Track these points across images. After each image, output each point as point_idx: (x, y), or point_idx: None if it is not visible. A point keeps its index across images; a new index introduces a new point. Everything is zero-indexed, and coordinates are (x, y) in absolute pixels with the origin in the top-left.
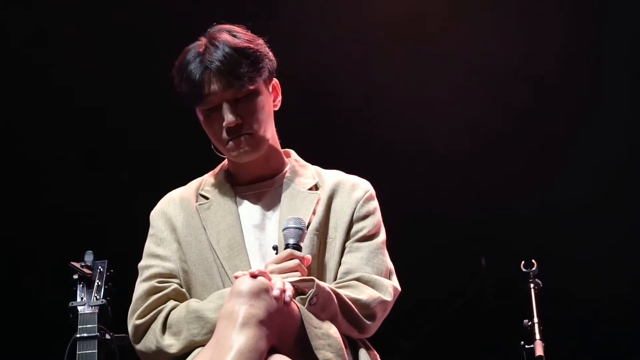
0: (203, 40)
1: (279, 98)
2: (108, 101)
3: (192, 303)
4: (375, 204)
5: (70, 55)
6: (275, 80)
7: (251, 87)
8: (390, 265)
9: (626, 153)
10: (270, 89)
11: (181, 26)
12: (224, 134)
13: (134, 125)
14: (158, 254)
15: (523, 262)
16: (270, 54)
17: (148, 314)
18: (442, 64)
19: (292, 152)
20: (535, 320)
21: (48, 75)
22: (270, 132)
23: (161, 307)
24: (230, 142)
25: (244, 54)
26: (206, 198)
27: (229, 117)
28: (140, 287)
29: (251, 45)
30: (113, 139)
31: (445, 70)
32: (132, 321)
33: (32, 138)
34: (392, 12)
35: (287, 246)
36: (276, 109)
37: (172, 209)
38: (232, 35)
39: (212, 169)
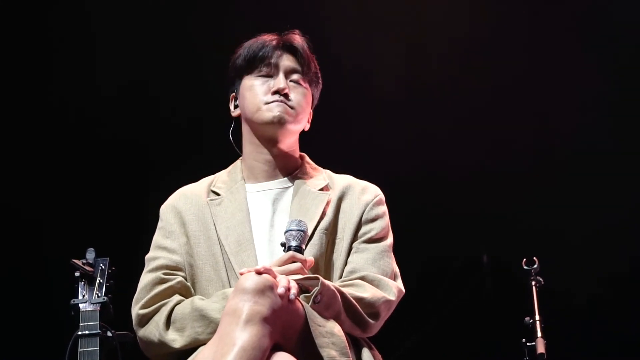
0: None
1: (309, 125)
2: (110, 100)
3: (197, 301)
4: (384, 208)
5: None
6: (311, 112)
7: (309, 84)
8: (396, 269)
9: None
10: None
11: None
12: (268, 95)
13: (136, 123)
14: (165, 246)
15: (525, 259)
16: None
17: (152, 305)
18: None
19: (305, 155)
20: (537, 317)
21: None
22: (301, 125)
23: (165, 300)
24: (272, 104)
25: (314, 62)
26: (217, 194)
27: (282, 82)
28: (145, 278)
29: (317, 65)
30: (114, 138)
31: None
32: (136, 310)
33: (33, 136)
34: None
35: (289, 248)
36: (305, 129)
37: (182, 204)
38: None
39: (217, 170)
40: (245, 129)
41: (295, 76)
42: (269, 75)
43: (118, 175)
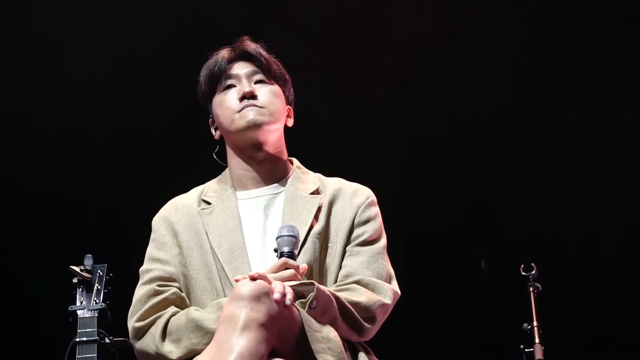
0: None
1: (292, 120)
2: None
3: (192, 312)
4: (376, 209)
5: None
6: (290, 108)
7: (274, 81)
8: (391, 270)
9: None
10: (286, 109)
11: None
12: (237, 103)
13: (135, 128)
14: (159, 258)
15: (522, 265)
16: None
17: (148, 317)
18: None
19: (295, 159)
20: (535, 323)
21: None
22: (279, 123)
23: (161, 312)
24: (242, 111)
25: (275, 62)
26: (208, 203)
27: (246, 87)
28: (140, 290)
29: (280, 64)
30: (114, 142)
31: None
32: (132, 323)
33: (29, 140)
34: None
35: (281, 254)
36: (288, 125)
37: (174, 215)
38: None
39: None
40: (229, 144)
41: (258, 77)
42: (233, 86)
43: (117, 181)
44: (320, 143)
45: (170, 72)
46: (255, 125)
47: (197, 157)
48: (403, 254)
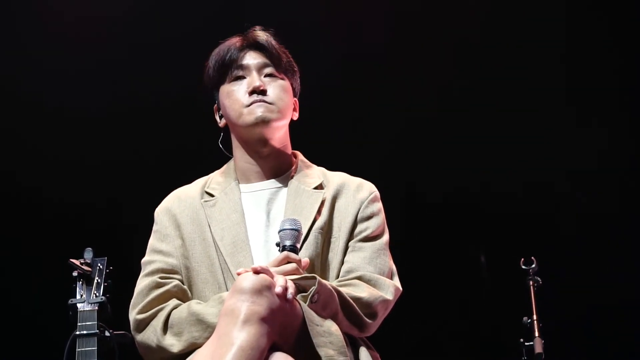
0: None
1: (297, 114)
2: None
3: (194, 305)
4: (379, 205)
5: None
6: (296, 100)
7: (284, 74)
8: (393, 266)
9: None
10: (293, 102)
11: None
12: (246, 97)
13: (135, 128)
14: (161, 250)
15: (522, 259)
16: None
17: (149, 310)
18: None
19: (299, 153)
20: (535, 317)
21: None
22: (286, 119)
23: (163, 305)
24: (251, 106)
25: (284, 52)
26: (212, 195)
27: (256, 81)
28: (142, 282)
29: (289, 55)
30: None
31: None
32: (133, 315)
33: (27, 137)
34: None
35: (283, 248)
36: (294, 118)
37: (177, 206)
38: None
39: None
40: (234, 135)
41: (268, 70)
42: (243, 77)
43: (117, 175)
44: (319, 143)
45: (168, 70)
46: (264, 122)
47: (197, 155)
48: (403, 252)
